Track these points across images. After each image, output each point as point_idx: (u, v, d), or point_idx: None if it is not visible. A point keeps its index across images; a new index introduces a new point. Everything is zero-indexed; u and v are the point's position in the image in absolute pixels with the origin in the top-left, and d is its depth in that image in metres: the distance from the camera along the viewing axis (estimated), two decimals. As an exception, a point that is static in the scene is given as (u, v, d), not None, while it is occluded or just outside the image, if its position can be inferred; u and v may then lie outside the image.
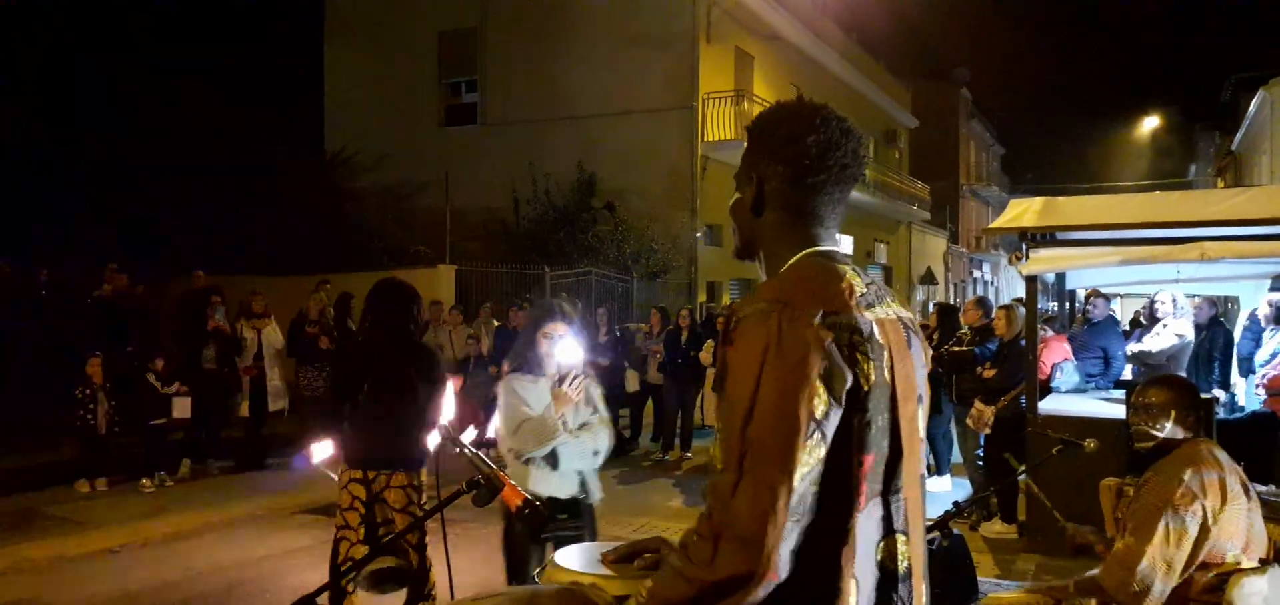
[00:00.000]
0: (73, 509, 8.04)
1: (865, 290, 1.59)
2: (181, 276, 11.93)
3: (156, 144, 17.99)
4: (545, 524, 2.00)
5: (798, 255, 1.63)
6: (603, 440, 3.93)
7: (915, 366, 1.65)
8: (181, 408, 9.11)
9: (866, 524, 1.54)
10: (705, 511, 1.46)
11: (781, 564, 1.42)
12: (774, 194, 1.67)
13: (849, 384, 1.48)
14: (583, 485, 3.88)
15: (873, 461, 1.53)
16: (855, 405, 1.50)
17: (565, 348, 3.80)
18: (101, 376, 8.74)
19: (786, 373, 1.43)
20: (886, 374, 1.55)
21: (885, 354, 1.55)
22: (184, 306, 10.16)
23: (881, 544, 1.56)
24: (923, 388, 1.69)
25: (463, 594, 2.19)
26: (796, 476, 1.42)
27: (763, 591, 1.41)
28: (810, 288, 1.54)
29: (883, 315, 1.60)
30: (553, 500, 3.64)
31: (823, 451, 1.45)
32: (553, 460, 3.76)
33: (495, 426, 3.86)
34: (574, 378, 3.73)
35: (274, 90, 21.47)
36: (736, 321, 1.52)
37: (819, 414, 1.44)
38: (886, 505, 1.57)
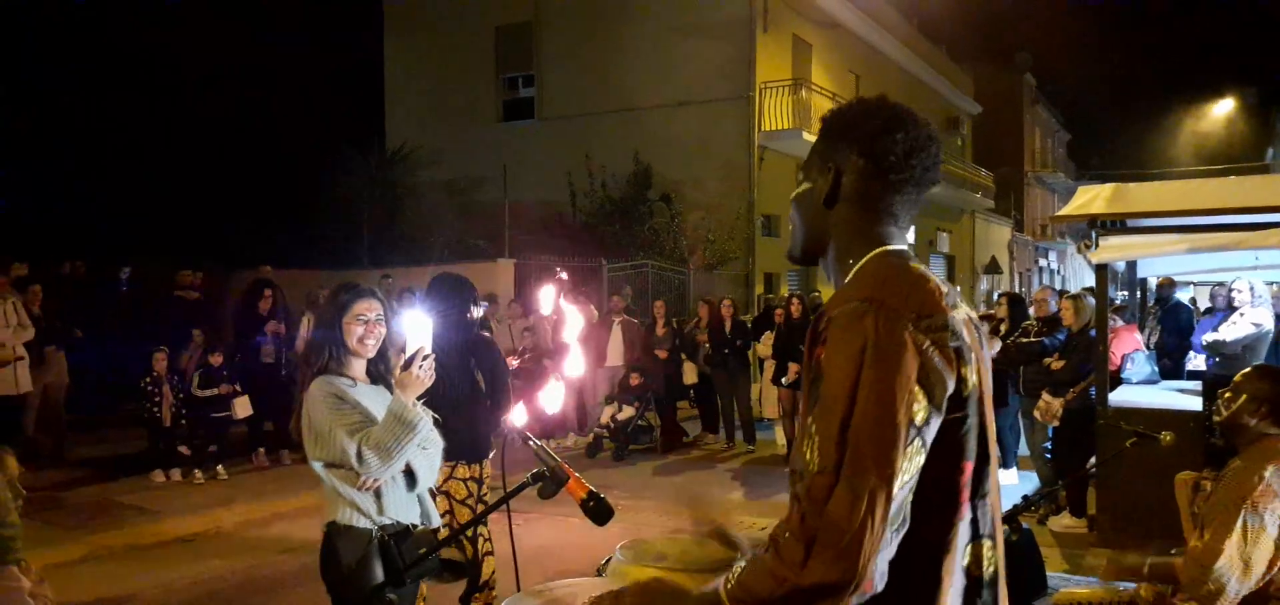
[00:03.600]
0: (146, 498, 8.30)
1: (948, 290, 1.56)
2: (247, 270, 12.25)
3: (222, 142, 18.51)
4: (612, 515, 1.96)
5: (872, 253, 1.60)
6: (439, 443, 3.19)
7: (988, 370, 1.63)
8: (243, 407, 9.36)
9: (962, 531, 1.52)
10: (797, 512, 1.41)
11: (877, 575, 1.38)
12: (851, 188, 1.63)
13: (950, 390, 1.45)
14: (422, 509, 3.17)
15: (970, 467, 1.51)
16: (956, 410, 1.47)
17: (412, 324, 2.91)
18: (166, 369, 9.01)
19: (886, 377, 1.39)
20: (975, 376, 1.52)
21: (973, 355, 1.52)
22: (244, 299, 10.43)
23: (969, 548, 1.53)
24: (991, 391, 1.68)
25: (527, 584, 2.21)
26: (896, 484, 1.38)
27: (855, 601, 1.37)
28: (900, 288, 1.50)
29: (965, 315, 1.57)
30: (411, 529, 3.03)
31: (922, 459, 1.42)
32: (410, 477, 3.06)
33: (308, 439, 3.04)
34: (425, 356, 2.86)
35: (336, 88, 21.94)
36: (827, 321, 1.49)
37: (919, 420, 1.41)
38: (974, 510, 1.54)
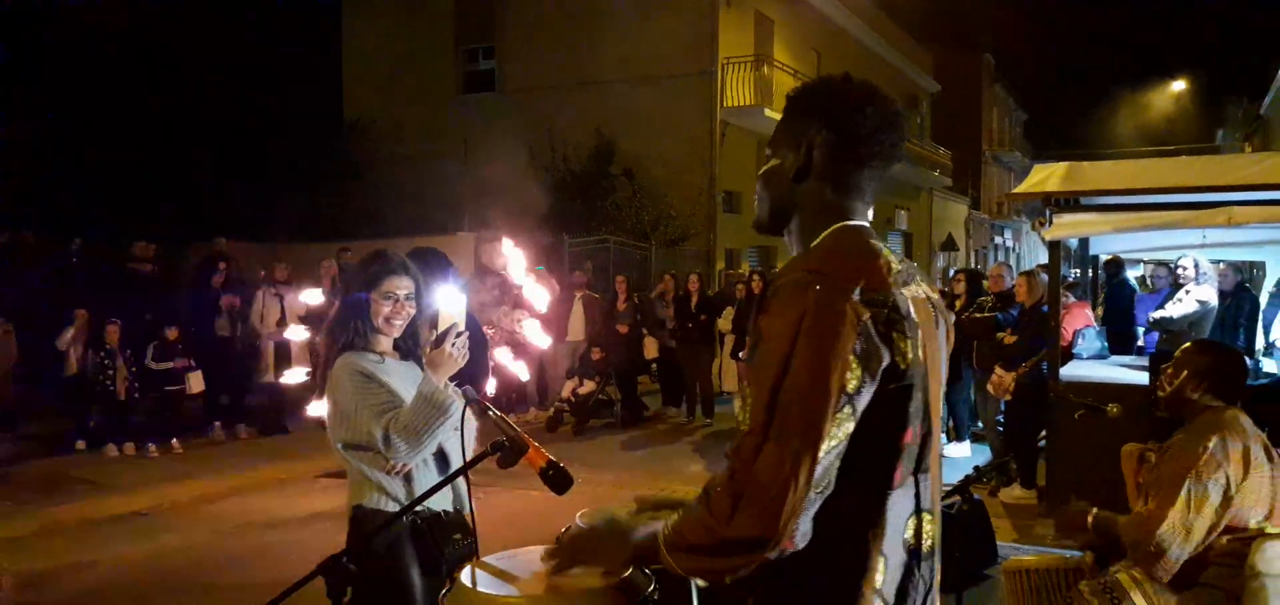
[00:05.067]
0: (98, 472, 8.17)
1: (900, 268, 1.61)
2: (203, 244, 12.04)
3: (179, 115, 18.12)
4: (571, 483, 1.96)
5: (832, 228, 1.64)
6: (474, 423, 2.91)
7: (940, 347, 1.68)
8: (196, 383, 9.26)
9: (901, 502, 1.57)
10: (728, 469, 1.47)
11: (798, 533, 1.43)
12: (821, 163, 1.66)
13: (885, 363, 1.48)
14: (455, 493, 2.94)
15: (910, 440, 1.56)
16: (893, 382, 1.50)
17: (446, 297, 2.71)
18: (119, 343, 8.85)
19: (821, 344, 1.43)
20: (921, 353, 1.56)
21: (919, 332, 1.56)
22: (198, 273, 10.28)
23: (910, 521, 1.59)
24: (944, 369, 1.71)
25: (485, 553, 2.22)
26: (822, 448, 1.42)
27: (774, 555, 1.44)
28: (849, 262, 1.54)
29: (916, 294, 1.61)
30: (442, 516, 2.81)
31: (851, 426, 1.46)
32: (442, 459, 2.85)
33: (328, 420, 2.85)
34: (459, 334, 2.67)
35: (293, 60, 21.52)
36: (773, 290, 1.53)
37: (851, 388, 1.44)
38: (917, 484, 1.59)
